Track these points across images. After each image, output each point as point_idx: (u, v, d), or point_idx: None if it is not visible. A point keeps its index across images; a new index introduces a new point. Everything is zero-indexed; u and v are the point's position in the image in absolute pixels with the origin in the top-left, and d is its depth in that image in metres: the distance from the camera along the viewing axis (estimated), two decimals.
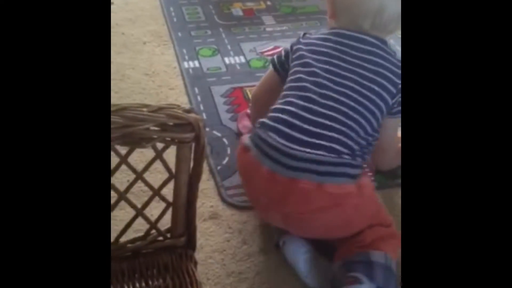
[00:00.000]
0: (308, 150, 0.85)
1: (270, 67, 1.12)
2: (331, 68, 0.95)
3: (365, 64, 0.95)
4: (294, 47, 1.03)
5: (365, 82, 0.93)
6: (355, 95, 0.91)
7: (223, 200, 1.08)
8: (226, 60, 1.49)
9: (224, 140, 1.22)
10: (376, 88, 0.93)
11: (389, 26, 1.00)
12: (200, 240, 0.99)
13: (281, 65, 1.07)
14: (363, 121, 0.90)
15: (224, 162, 1.16)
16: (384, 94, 0.93)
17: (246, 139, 0.93)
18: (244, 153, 0.91)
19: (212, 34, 1.61)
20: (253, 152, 0.89)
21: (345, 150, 0.87)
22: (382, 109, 0.93)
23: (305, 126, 0.88)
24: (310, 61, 0.97)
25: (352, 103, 0.91)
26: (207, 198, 1.09)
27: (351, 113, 0.90)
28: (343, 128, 0.88)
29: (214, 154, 1.18)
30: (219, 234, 1.02)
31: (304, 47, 1.01)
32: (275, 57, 1.10)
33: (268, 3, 1.78)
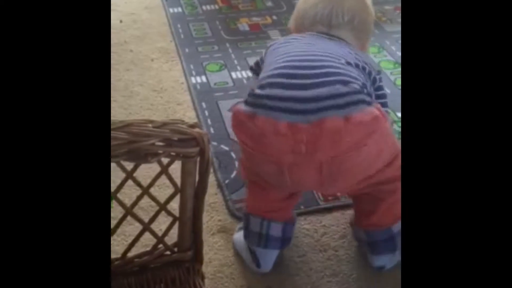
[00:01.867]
0: (320, 89, 0.81)
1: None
2: (308, 42, 0.96)
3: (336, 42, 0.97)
4: (267, 51, 1.02)
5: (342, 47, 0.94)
6: (337, 51, 0.91)
7: (232, 214, 1.09)
8: (233, 74, 1.51)
9: (232, 154, 1.23)
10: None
11: (353, 21, 1.02)
12: (209, 254, 1.00)
13: (257, 66, 1.04)
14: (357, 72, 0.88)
15: (232, 175, 1.17)
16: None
17: (240, 108, 0.85)
18: (249, 120, 0.83)
19: (219, 50, 1.62)
20: (261, 114, 0.82)
21: (352, 80, 0.84)
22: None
23: (306, 71, 0.84)
24: (285, 44, 0.96)
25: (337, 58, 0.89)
26: (216, 212, 1.09)
27: (340, 62, 0.88)
28: (340, 70, 0.86)
29: (222, 168, 1.18)
30: (228, 248, 1.02)
31: (275, 45, 1.00)
32: (252, 64, 1.07)
33: (274, 17, 1.80)
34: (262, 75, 0.90)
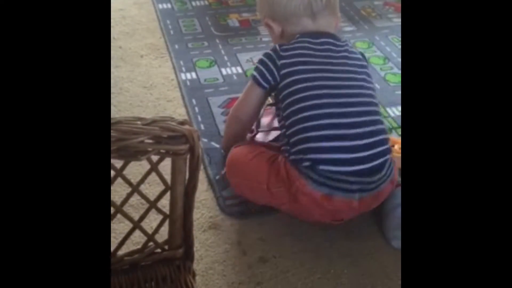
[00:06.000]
0: (376, 161, 0.94)
1: (252, 84, 1.08)
2: (326, 74, 1.00)
3: (347, 61, 1.03)
4: (279, 62, 1.03)
5: (357, 76, 1.02)
6: (360, 90, 1.00)
7: (222, 210, 1.08)
8: (223, 71, 1.50)
9: (222, 150, 1.22)
10: (365, 79, 1.03)
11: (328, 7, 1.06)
12: (200, 251, 0.99)
13: (267, 81, 1.05)
14: (375, 108, 1.00)
15: (223, 172, 1.16)
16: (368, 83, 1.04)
17: (314, 190, 0.93)
18: (327, 201, 0.93)
19: (209, 46, 1.62)
20: (338, 196, 0.93)
21: (386, 136, 0.99)
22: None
23: (352, 131, 0.94)
24: (304, 75, 1.00)
25: (363, 97, 0.99)
26: (206, 209, 1.09)
27: (368, 101, 0.99)
28: (375, 118, 0.98)
29: (212, 165, 1.18)
30: (219, 245, 1.02)
31: (289, 61, 1.02)
32: (256, 75, 1.06)
33: None
34: (300, 128, 0.96)
